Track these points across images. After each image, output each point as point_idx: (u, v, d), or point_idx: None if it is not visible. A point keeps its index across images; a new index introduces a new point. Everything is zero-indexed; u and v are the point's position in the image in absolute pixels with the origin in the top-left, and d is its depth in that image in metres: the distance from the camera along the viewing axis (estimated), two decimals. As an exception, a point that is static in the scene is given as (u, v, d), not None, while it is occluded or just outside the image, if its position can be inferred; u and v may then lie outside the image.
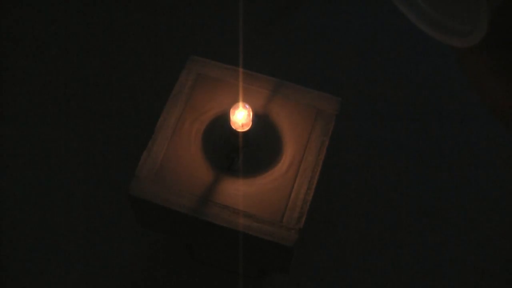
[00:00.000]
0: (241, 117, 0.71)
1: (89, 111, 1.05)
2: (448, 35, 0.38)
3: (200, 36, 1.13)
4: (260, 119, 0.76)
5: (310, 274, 0.92)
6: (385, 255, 0.94)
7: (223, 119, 0.75)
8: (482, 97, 0.39)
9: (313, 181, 0.72)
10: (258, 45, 1.12)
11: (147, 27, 1.14)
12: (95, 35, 1.13)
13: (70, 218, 0.96)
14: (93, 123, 1.04)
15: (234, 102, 0.73)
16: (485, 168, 1.02)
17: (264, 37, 1.14)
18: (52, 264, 0.92)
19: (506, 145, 1.03)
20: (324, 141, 0.75)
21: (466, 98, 1.07)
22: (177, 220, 0.73)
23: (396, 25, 1.14)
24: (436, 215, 0.98)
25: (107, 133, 1.03)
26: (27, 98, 1.07)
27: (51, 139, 1.03)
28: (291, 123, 0.76)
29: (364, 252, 0.94)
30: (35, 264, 0.92)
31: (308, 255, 0.93)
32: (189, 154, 0.74)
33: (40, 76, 1.09)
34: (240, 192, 0.71)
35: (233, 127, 0.72)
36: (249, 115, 0.71)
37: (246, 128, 0.72)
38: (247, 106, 0.71)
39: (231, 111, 0.71)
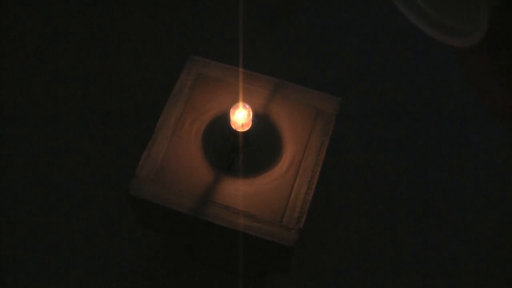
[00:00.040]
0: (241, 117, 0.71)
1: (89, 111, 1.05)
2: (448, 35, 0.38)
3: (200, 36, 1.13)
4: (260, 119, 0.76)
5: (310, 274, 0.92)
6: (385, 255, 0.94)
7: (223, 119, 0.75)
8: (482, 97, 0.39)
9: (313, 181, 0.72)
10: (258, 45, 1.12)
11: (147, 27, 1.14)
12: (95, 35, 1.13)
13: (70, 218, 0.96)
14: (93, 123, 1.04)
15: (234, 102, 0.73)
16: (485, 168, 1.02)
17: (264, 37, 1.14)
18: (52, 264, 0.92)
19: (506, 145, 1.03)
20: (324, 141, 0.75)
21: (466, 98, 1.07)
22: (177, 220, 0.73)
23: (396, 25, 1.14)
24: (436, 215, 0.98)
25: (107, 133, 1.03)
26: (27, 98, 1.07)
27: (51, 139, 1.03)
28: (291, 123, 0.76)
29: (364, 252, 0.94)
30: (35, 264, 0.92)
31: (308, 255, 0.93)
32: (189, 154, 0.74)
33: (40, 76, 1.09)
34: (240, 192, 0.71)
35: (233, 127, 0.72)
36: (249, 115, 0.71)
37: (246, 128, 0.72)
38: (247, 106, 0.71)
39: (231, 111, 0.71)
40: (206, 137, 0.75)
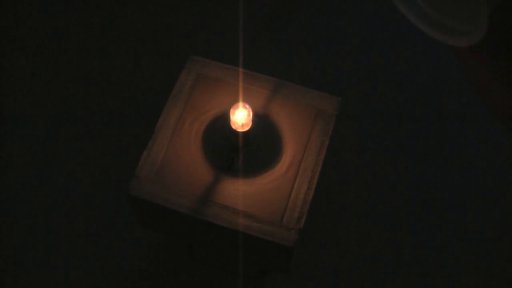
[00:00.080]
0: (241, 117, 0.71)
1: (89, 111, 1.05)
2: (448, 35, 0.38)
3: (200, 36, 1.13)
4: (260, 119, 0.76)
5: (310, 274, 0.92)
6: (385, 255, 0.94)
7: (223, 119, 0.75)
8: (482, 97, 0.39)
9: (313, 181, 0.72)
10: (258, 45, 1.12)
11: (147, 27, 1.14)
12: (95, 35, 1.13)
13: (70, 218, 0.96)
14: (93, 123, 1.04)
15: (234, 102, 0.73)
16: (485, 168, 1.02)
17: (264, 37, 1.14)
18: (52, 264, 0.92)
19: (506, 145, 1.03)
20: (324, 141, 0.75)
21: (466, 98, 1.07)
22: (177, 220, 0.73)
23: (396, 25, 1.14)
24: (436, 215, 0.98)
25: (107, 133, 1.03)
26: (27, 98, 1.07)
27: (51, 139, 1.03)
28: (291, 123, 0.76)
29: (364, 251, 0.94)
30: (35, 264, 0.92)
31: (308, 255, 0.93)
32: (189, 154, 0.74)
33: (40, 76, 1.09)
34: (240, 192, 0.71)
35: (233, 127, 0.72)
36: (249, 115, 0.71)
37: (246, 128, 0.72)
38: (247, 106, 0.71)
39: (231, 111, 0.71)
40: (206, 137, 0.75)
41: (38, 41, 1.13)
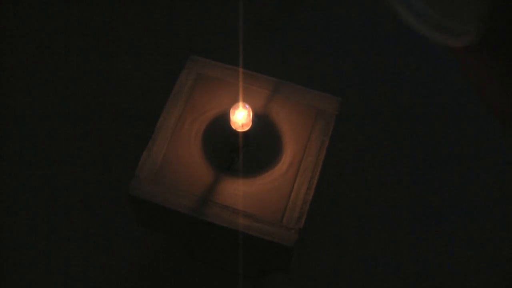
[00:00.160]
0: (241, 117, 0.71)
1: (89, 111, 1.05)
2: (447, 35, 0.38)
3: (200, 36, 1.13)
4: (260, 119, 0.76)
5: (310, 274, 0.92)
6: (385, 255, 0.94)
7: (223, 119, 0.75)
8: (482, 97, 0.39)
9: (313, 181, 0.72)
10: (258, 45, 1.12)
11: (147, 27, 1.14)
12: (95, 35, 1.13)
13: (70, 218, 0.96)
14: (93, 123, 1.04)
15: (234, 102, 0.73)
16: (485, 168, 1.02)
17: (264, 37, 1.14)
18: (52, 264, 0.92)
19: (506, 145, 1.03)
20: (324, 141, 0.75)
21: (466, 98, 1.07)
22: (177, 220, 0.73)
23: (396, 25, 1.14)
24: (436, 215, 0.98)
25: (107, 133, 1.03)
26: (27, 98, 1.07)
27: (51, 139, 1.03)
28: (291, 123, 0.76)
29: (364, 252, 0.94)
30: (35, 264, 0.92)
31: (308, 255, 0.93)
32: (189, 154, 0.74)
33: (40, 76, 1.09)
34: (240, 192, 0.71)
35: (233, 127, 0.72)
36: (249, 115, 0.71)
37: (246, 128, 0.72)
38: (247, 106, 0.71)
39: (231, 111, 0.71)
40: (206, 137, 0.75)
41: (38, 41, 1.13)
